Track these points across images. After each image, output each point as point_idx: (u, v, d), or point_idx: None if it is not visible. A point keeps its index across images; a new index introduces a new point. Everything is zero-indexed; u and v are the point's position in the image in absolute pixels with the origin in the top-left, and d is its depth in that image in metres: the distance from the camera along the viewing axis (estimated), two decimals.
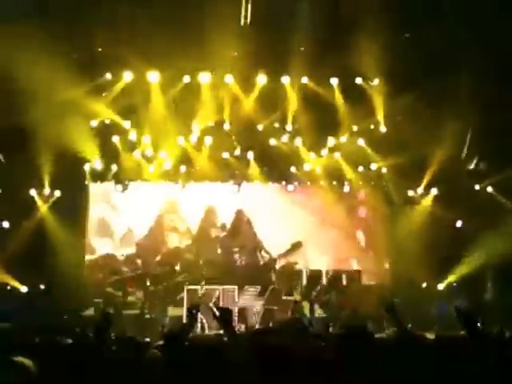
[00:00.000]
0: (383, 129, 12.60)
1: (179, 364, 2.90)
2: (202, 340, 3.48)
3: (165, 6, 10.01)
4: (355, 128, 12.72)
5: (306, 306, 12.96)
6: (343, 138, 12.96)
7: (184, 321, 10.50)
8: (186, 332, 3.26)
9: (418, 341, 3.85)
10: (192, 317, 3.29)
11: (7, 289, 12.00)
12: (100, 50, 11.08)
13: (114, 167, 13.04)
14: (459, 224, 12.96)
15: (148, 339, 5.63)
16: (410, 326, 6.93)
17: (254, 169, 13.41)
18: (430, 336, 4.54)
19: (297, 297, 12.87)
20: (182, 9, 9.97)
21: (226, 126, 12.59)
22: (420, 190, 13.35)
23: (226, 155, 13.08)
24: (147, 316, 12.47)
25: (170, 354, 3.15)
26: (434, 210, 12.96)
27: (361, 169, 13.37)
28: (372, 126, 12.70)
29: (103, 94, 11.82)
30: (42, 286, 12.32)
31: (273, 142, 13.02)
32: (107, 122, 12.29)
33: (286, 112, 12.49)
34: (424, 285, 12.97)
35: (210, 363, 2.83)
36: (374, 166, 13.35)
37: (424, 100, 11.07)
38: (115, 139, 12.57)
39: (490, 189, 12.84)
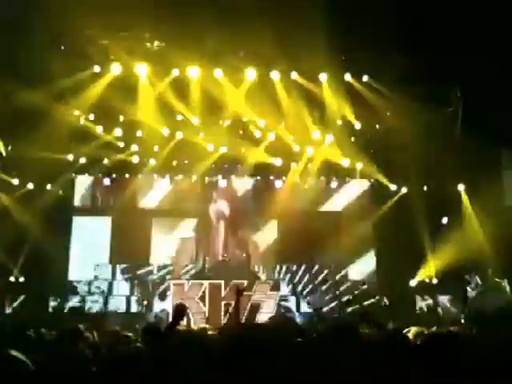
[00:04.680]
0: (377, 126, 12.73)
1: (160, 357, 2.89)
2: (186, 334, 3.47)
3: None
4: (341, 123, 12.78)
5: (292, 300, 13.02)
6: (331, 135, 13.03)
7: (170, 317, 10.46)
8: (170, 329, 3.25)
9: (403, 341, 3.85)
10: (178, 315, 3.27)
11: None
12: (88, 41, 10.96)
13: (101, 160, 13.00)
14: (445, 221, 13.08)
15: (131, 334, 5.60)
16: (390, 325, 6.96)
17: (242, 163, 13.43)
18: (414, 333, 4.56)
19: (283, 291, 12.91)
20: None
21: (216, 121, 12.59)
22: (406, 187, 13.46)
23: (214, 149, 13.09)
24: (133, 311, 12.46)
25: (150, 346, 3.14)
26: (420, 207, 13.03)
27: (348, 164, 13.42)
28: (359, 124, 12.77)
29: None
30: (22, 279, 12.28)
31: (260, 136, 13.04)
32: (93, 115, 12.24)
33: (275, 107, 12.47)
34: (413, 282, 13.05)
35: (192, 357, 2.83)
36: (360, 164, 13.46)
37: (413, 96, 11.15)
38: (103, 132, 12.51)
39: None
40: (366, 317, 4.00)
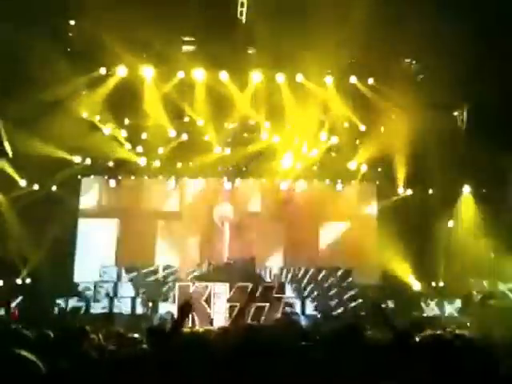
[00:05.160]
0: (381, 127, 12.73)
1: (165, 358, 2.89)
2: (190, 335, 3.48)
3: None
4: (346, 125, 12.80)
5: (297, 303, 12.97)
6: (336, 137, 13.05)
7: (175, 317, 10.46)
8: (175, 328, 3.25)
9: (410, 341, 3.83)
10: (183, 314, 3.27)
11: None
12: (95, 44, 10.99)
13: (107, 162, 13.06)
14: (451, 224, 13.02)
15: (137, 335, 5.60)
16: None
17: (248, 166, 13.45)
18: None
19: (289, 294, 12.87)
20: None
21: (221, 123, 12.63)
22: (411, 190, 13.41)
23: (220, 151, 13.13)
24: (139, 312, 12.45)
25: (154, 348, 3.13)
26: (426, 211, 12.99)
27: (353, 166, 13.40)
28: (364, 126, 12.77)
29: None
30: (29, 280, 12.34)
31: (266, 138, 13.05)
32: (99, 117, 12.27)
33: (280, 109, 12.48)
34: (417, 286, 12.99)
35: (197, 358, 2.83)
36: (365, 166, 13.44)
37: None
38: (109, 134, 12.55)
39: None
40: (382, 313, 3.96)
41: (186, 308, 3.33)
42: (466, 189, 13.02)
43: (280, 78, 12.03)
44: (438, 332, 4.83)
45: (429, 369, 3.00)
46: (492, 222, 11.68)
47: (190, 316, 10.93)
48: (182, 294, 11.66)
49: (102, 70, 11.65)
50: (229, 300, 11.64)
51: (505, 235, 11.22)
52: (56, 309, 12.03)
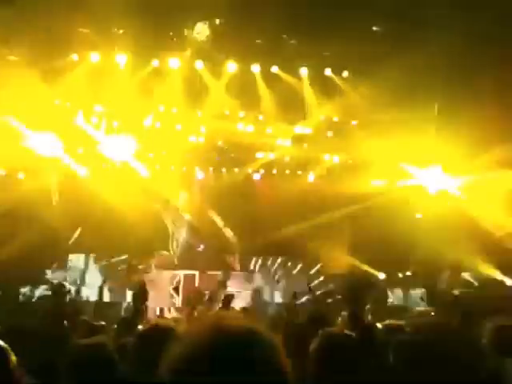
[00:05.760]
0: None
1: (131, 348, 2.89)
2: (160, 324, 3.49)
3: None
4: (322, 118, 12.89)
5: (266, 291, 13.07)
6: (310, 128, 13.13)
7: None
8: (136, 317, 3.26)
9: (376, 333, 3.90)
10: (142, 294, 3.29)
11: None
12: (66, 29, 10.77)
13: (77, 149, 12.85)
14: (419, 215, 13.24)
15: (103, 323, 5.57)
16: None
17: (221, 155, 13.44)
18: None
19: (257, 282, 12.98)
20: None
21: (195, 112, 12.58)
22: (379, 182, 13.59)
23: (193, 140, 13.07)
24: (106, 300, 12.35)
25: (122, 337, 3.15)
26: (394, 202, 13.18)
27: (327, 158, 13.53)
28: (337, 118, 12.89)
29: None
30: None
31: (240, 129, 13.05)
32: (70, 104, 12.07)
33: (254, 100, 12.50)
34: (382, 275, 13.21)
35: (166, 347, 2.82)
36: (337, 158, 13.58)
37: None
38: (80, 122, 12.34)
39: None
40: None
41: (141, 291, 3.34)
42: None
43: (255, 68, 12.03)
44: (400, 322, 4.86)
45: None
46: None
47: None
48: (149, 283, 11.61)
49: (74, 57, 11.42)
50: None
51: None
52: (21, 296, 11.82)
